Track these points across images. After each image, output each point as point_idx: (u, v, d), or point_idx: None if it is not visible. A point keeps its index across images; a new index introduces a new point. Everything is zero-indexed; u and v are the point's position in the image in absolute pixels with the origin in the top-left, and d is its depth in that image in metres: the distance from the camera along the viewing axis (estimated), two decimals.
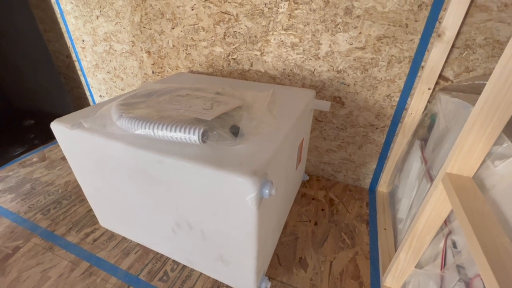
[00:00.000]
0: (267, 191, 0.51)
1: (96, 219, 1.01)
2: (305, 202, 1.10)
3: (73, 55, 1.59)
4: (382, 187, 1.15)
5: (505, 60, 0.41)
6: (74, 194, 1.14)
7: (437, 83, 0.87)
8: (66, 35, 1.53)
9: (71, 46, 1.56)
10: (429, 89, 0.87)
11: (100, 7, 1.31)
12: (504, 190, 0.45)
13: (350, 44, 0.92)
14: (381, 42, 0.88)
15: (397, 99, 0.95)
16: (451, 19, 0.75)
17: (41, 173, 1.28)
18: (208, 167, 0.54)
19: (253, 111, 0.72)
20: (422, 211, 0.60)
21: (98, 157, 0.69)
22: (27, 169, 1.31)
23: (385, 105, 0.97)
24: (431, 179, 0.74)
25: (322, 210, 1.06)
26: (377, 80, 0.94)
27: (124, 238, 0.93)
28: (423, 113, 0.91)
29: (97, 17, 1.35)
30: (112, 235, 0.94)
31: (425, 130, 0.91)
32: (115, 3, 1.26)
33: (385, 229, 0.97)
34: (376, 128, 1.03)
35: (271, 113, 0.75)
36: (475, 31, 0.76)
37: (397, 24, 0.83)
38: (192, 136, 0.57)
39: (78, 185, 1.20)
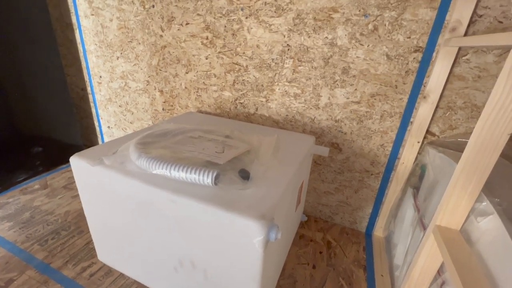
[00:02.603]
0: (273, 235, 0.55)
1: (94, 252, 1.00)
2: (303, 243, 1.12)
3: (89, 88, 1.70)
4: (378, 232, 1.18)
5: (478, 131, 0.50)
6: (74, 224, 1.14)
7: (425, 137, 0.96)
8: (85, 71, 1.66)
9: (88, 81, 1.68)
10: (418, 142, 0.95)
11: (122, 50, 1.45)
12: (487, 245, 0.50)
13: (347, 98, 1.03)
14: (374, 99, 0.99)
15: (390, 149, 1.03)
16: (434, 84, 0.87)
17: (41, 201, 1.29)
18: (219, 208, 0.58)
19: (260, 156, 0.79)
20: (417, 260, 0.63)
21: (112, 193, 0.73)
22: (27, 196, 1.31)
23: (379, 153, 1.06)
24: (424, 227, 0.79)
25: (320, 252, 1.07)
26: (371, 130, 1.03)
27: (121, 275, 0.92)
28: (414, 163, 0.99)
29: (117, 58, 1.49)
30: (109, 271, 0.93)
31: (417, 179, 0.98)
32: (136, 47, 1.40)
33: (382, 275, 0.98)
34: (371, 174, 1.10)
35: (276, 158, 0.82)
36: (455, 95, 0.88)
37: (388, 85, 0.95)
38: (205, 179, 0.62)
39: (78, 215, 1.20)
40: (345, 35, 0.95)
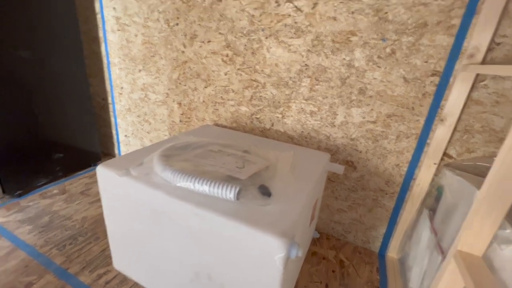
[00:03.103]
0: (294, 252, 0.56)
1: (110, 260, 1.02)
2: (315, 261, 1.11)
3: (110, 98, 1.78)
4: (392, 253, 1.16)
5: (502, 159, 0.50)
6: (90, 231, 1.17)
7: (442, 159, 0.96)
8: (107, 82, 1.74)
9: (109, 91, 1.75)
10: (434, 163, 0.96)
11: (144, 63, 1.52)
12: (511, 273, 0.49)
13: (363, 118, 1.05)
14: (391, 119, 1.00)
15: (405, 169, 1.03)
16: (451, 108, 0.88)
17: (60, 206, 1.32)
18: (242, 223, 0.60)
19: (278, 172, 0.81)
20: (436, 286, 0.63)
21: (136, 203, 0.76)
22: (47, 201, 1.36)
23: (394, 173, 1.06)
24: (442, 251, 0.78)
25: (333, 271, 1.06)
26: (387, 150, 1.04)
27: (135, 284, 0.93)
28: (430, 184, 0.99)
29: (140, 71, 1.56)
30: (124, 279, 0.94)
31: (433, 200, 0.98)
32: (158, 62, 1.47)
33: None
34: (386, 194, 1.10)
35: (294, 174, 0.84)
36: (473, 119, 0.89)
37: (404, 106, 0.97)
38: (228, 193, 0.65)
39: (94, 222, 1.23)
40: (363, 57, 0.98)
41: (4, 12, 1.20)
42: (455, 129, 0.92)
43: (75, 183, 1.55)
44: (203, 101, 1.40)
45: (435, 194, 0.97)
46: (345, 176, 1.16)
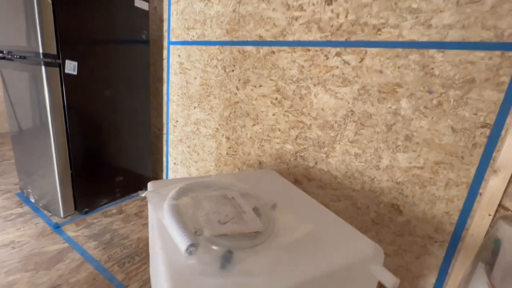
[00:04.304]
0: None
1: None
2: None
3: (165, 129, 2.00)
4: None
5: None
6: (145, 252, 1.28)
7: (497, 211, 0.94)
8: (164, 115, 1.98)
9: (165, 123, 1.99)
10: (489, 215, 0.94)
11: (200, 101, 1.73)
12: None
13: (409, 163, 1.08)
14: (439, 166, 1.02)
15: (456, 217, 1.02)
16: (505, 160, 0.89)
17: (118, 225, 1.48)
18: (168, 279, 0.53)
19: (271, 244, 0.66)
20: None
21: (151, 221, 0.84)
22: (108, 219, 1.52)
23: (444, 221, 1.04)
24: None
25: None
26: (435, 197, 1.05)
27: None
28: (485, 236, 0.96)
29: (194, 107, 1.77)
30: None
31: (489, 253, 0.94)
32: (212, 101, 1.66)
33: None
34: (435, 241, 1.07)
35: (293, 252, 0.65)
36: None
37: (453, 155, 0.99)
38: (180, 244, 0.59)
39: (147, 243, 1.35)
40: (409, 107, 1.04)
41: (100, 61, 1.50)
42: (510, 181, 0.91)
43: (130, 204, 1.72)
44: (250, 137, 1.53)
45: (492, 247, 0.93)
46: (390, 219, 1.16)
